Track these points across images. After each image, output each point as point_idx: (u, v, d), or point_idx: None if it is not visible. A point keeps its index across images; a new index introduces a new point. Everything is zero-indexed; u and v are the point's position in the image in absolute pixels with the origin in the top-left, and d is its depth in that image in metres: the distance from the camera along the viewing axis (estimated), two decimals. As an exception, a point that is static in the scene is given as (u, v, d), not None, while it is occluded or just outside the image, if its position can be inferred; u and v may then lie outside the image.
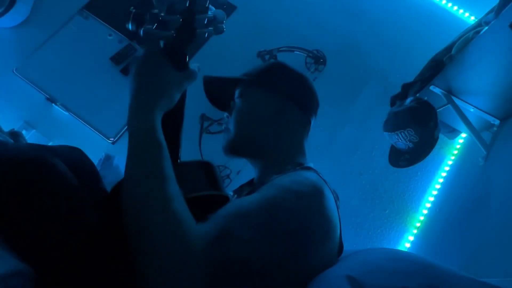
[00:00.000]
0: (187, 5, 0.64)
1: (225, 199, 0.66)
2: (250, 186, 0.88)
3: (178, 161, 0.68)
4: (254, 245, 0.54)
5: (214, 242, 0.52)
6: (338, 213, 0.72)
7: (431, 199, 2.14)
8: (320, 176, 0.75)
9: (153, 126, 0.59)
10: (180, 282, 0.49)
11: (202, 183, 0.68)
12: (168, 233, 0.51)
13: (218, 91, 0.93)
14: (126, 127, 0.61)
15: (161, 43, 0.66)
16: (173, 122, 0.68)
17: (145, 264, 0.50)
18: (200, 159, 0.74)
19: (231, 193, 0.92)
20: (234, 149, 0.86)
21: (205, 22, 0.65)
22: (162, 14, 0.63)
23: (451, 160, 2.22)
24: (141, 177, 0.55)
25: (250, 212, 0.58)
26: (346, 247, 0.74)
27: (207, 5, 0.65)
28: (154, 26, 0.64)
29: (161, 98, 0.62)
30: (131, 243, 0.52)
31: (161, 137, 0.60)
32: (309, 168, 0.79)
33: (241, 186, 0.92)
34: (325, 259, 0.64)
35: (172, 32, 0.64)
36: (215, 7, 0.68)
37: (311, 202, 0.64)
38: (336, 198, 0.75)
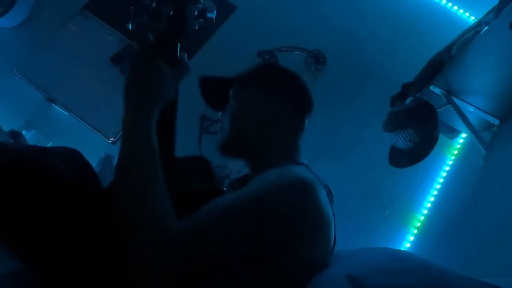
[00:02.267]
0: None
1: (219, 192, 0.67)
2: (241, 182, 0.88)
3: (173, 155, 0.68)
4: (229, 241, 0.56)
5: (190, 237, 0.55)
6: (332, 208, 0.71)
7: (431, 199, 2.14)
8: (312, 171, 0.75)
9: (147, 128, 0.61)
10: (157, 273, 0.52)
11: (197, 177, 0.69)
12: (149, 229, 0.54)
13: (214, 91, 0.94)
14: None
15: (153, 38, 0.66)
16: (167, 118, 0.68)
17: (129, 257, 0.54)
18: (195, 154, 0.75)
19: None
20: (228, 148, 0.87)
21: (195, 14, 0.66)
22: (153, 6, 0.64)
23: (451, 160, 2.22)
24: (130, 177, 0.58)
25: (230, 208, 0.59)
26: (346, 247, 0.74)
27: None
28: (145, 18, 0.64)
29: (156, 99, 0.64)
30: (119, 236, 0.55)
31: (154, 138, 0.61)
32: (300, 163, 0.79)
33: (233, 181, 0.93)
34: (317, 254, 0.63)
35: (163, 24, 0.64)
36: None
37: (295, 195, 0.63)
38: (329, 193, 0.75)
